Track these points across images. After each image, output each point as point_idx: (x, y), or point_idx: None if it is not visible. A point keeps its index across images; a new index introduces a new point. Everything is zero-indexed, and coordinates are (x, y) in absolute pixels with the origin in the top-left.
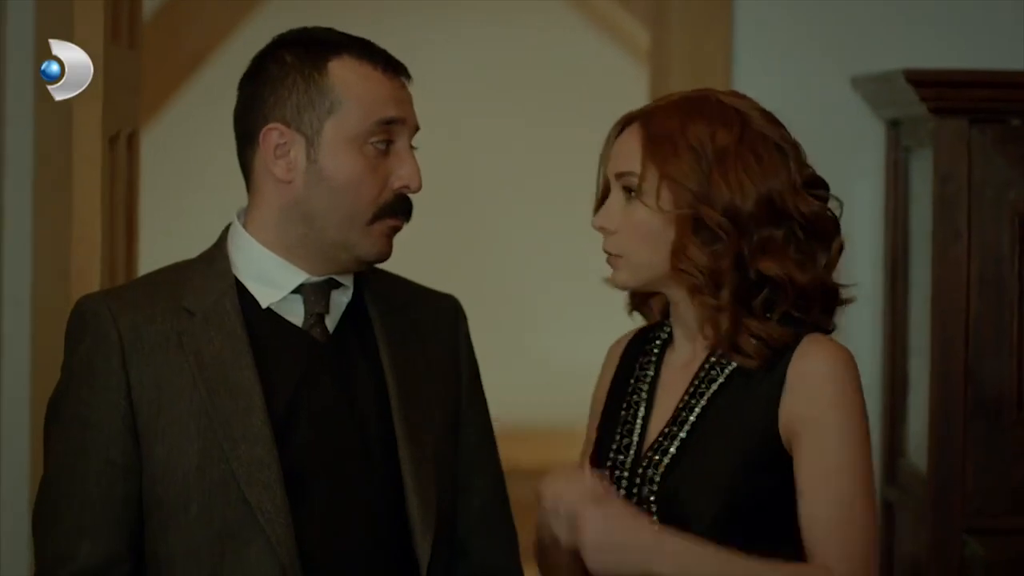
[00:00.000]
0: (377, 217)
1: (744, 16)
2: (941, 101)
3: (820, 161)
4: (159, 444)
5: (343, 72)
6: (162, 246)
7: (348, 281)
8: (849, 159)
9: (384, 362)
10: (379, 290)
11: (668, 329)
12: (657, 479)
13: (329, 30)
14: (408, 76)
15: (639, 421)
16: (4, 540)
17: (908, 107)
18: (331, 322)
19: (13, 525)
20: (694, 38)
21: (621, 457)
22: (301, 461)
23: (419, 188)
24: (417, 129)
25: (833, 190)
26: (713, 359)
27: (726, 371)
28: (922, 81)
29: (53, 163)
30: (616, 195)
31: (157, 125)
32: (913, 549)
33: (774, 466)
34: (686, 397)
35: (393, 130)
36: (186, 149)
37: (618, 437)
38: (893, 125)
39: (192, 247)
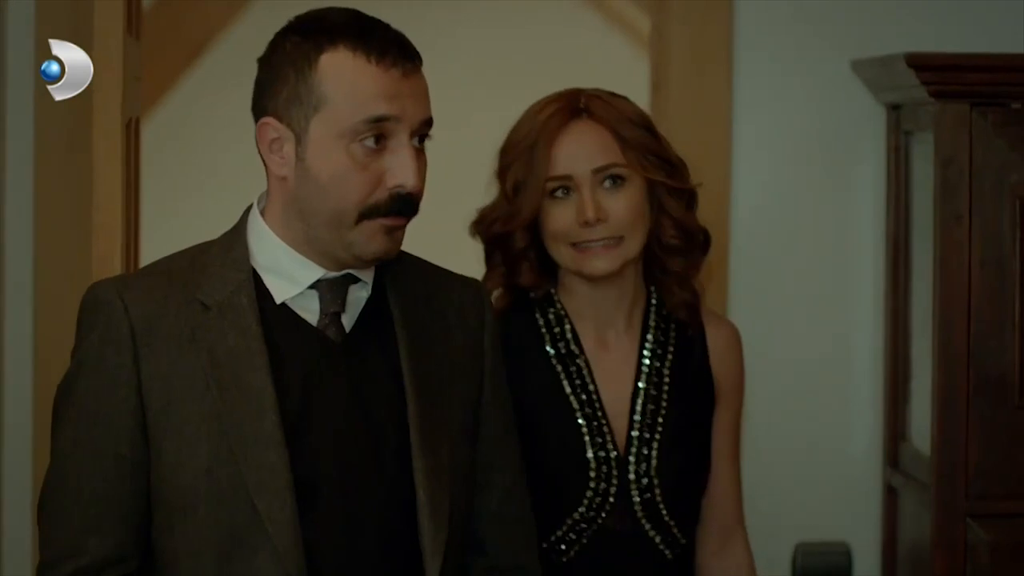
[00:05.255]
0: (365, 216)
1: (745, 1)
2: (942, 85)
3: (821, 145)
4: (168, 442)
5: (332, 66)
6: (161, 234)
7: (367, 276)
8: (850, 143)
9: (403, 363)
10: (403, 281)
11: (550, 318)
12: (654, 461)
13: (340, 12)
14: (413, 65)
15: (599, 412)
16: (8, 533)
17: (909, 91)
18: (349, 319)
19: (17, 519)
20: (695, 24)
21: (602, 453)
22: (312, 468)
23: (415, 187)
24: (425, 122)
25: (834, 174)
26: (651, 336)
27: (670, 348)
28: (923, 65)
29: (64, 151)
30: (593, 188)
31: (156, 114)
32: (916, 534)
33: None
34: (643, 380)
35: (386, 127)
36: (185, 137)
37: (587, 433)
38: (894, 109)
39: (189, 236)
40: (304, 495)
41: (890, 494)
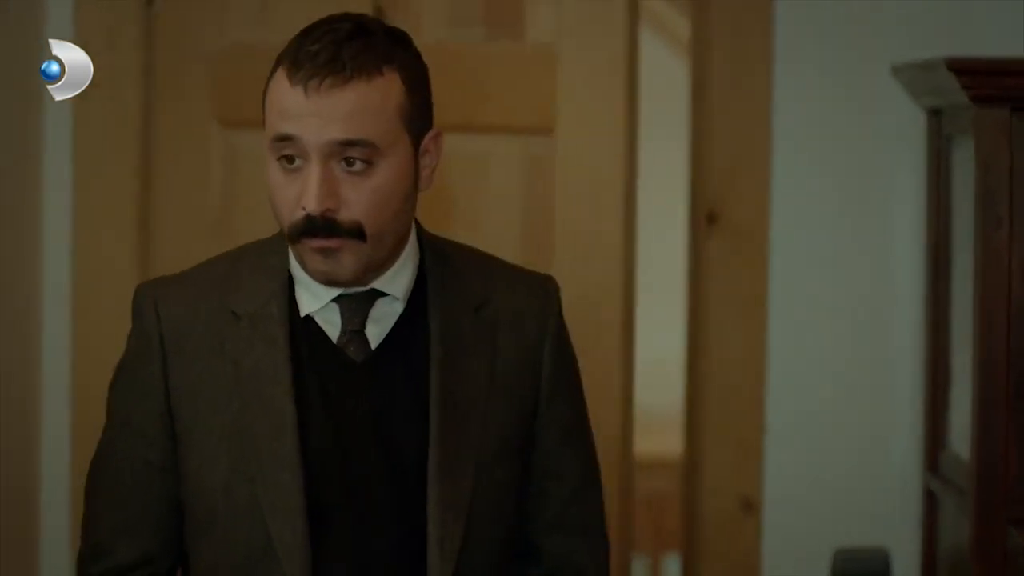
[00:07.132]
0: (293, 237)
1: (785, 5)
2: (982, 89)
3: (861, 149)
4: (193, 454)
5: (272, 83)
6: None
7: (395, 291)
8: (890, 148)
9: (432, 382)
10: (452, 288)
11: None
12: None
13: (319, 23)
14: (328, 81)
15: None
16: (45, 533)
17: (949, 95)
18: (378, 335)
19: (55, 520)
20: (735, 28)
21: None
22: (326, 492)
23: (315, 209)
24: (337, 143)
25: (874, 178)
26: None
27: None
28: (963, 69)
29: (101, 147)
30: None
31: None
32: (956, 540)
33: None
34: None
35: (293, 147)
36: None
37: None
38: (934, 113)
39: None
40: (317, 520)
41: (930, 500)
